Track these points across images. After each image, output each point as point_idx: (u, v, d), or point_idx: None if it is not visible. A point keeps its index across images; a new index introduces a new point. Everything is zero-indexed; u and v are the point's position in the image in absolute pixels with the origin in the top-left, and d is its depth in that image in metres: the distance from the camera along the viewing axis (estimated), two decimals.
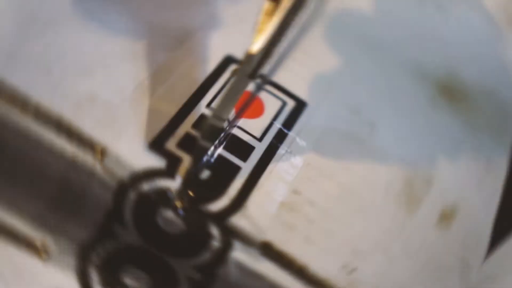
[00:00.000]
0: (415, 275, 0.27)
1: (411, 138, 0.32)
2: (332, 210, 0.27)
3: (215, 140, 0.27)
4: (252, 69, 0.23)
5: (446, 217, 0.29)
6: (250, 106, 0.29)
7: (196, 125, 0.27)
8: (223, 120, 0.26)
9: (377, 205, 0.28)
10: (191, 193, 0.25)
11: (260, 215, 0.25)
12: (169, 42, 0.30)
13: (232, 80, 0.25)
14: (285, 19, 0.23)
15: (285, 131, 0.29)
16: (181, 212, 0.24)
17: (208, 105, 0.28)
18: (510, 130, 0.35)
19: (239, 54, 0.30)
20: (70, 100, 0.25)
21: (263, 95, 0.30)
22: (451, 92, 0.35)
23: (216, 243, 0.24)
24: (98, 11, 0.30)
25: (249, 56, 0.22)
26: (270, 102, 0.30)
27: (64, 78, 0.26)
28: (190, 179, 0.25)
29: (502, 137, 0.34)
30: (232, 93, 0.24)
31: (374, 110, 0.32)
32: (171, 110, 0.27)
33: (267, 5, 0.24)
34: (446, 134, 0.33)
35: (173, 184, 0.25)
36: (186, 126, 0.27)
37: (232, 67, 0.30)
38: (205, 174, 0.26)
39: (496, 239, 0.30)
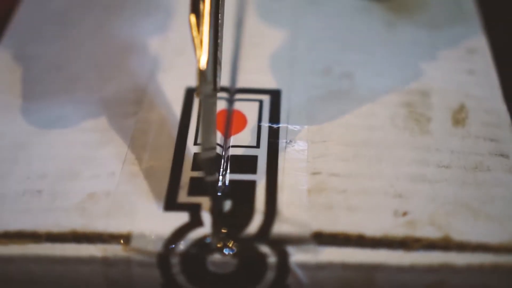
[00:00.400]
0: (461, 183, 0.26)
1: (389, 66, 0.32)
2: (356, 170, 0.27)
3: (219, 169, 0.27)
4: (212, 83, 0.23)
5: (459, 117, 0.29)
6: (233, 122, 0.29)
7: (195, 166, 0.27)
8: (214, 148, 0.26)
9: (392, 142, 0.28)
10: (224, 230, 0.24)
11: (296, 212, 0.25)
12: (129, 108, 0.30)
13: (201, 106, 0.25)
14: (215, 21, 0.23)
15: (275, 125, 0.29)
16: (226, 251, 0.24)
17: (195, 142, 0.28)
18: (471, 14, 0.34)
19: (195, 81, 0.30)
20: (72, 210, 0.25)
21: (238, 106, 0.30)
22: (405, 7, 0.35)
23: (272, 259, 0.24)
24: (52, 108, 0.30)
25: (202, 73, 0.22)
26: (248, 108, 0.29)
27: (56, 194, 0.26)
28: (218, 217, 0.25)
29: (469, 22, 0.34)
30: (207, 118, 0.24)
31: (343, 61, 0.32)
32: (166, 166, 0.27)
33: (192, 19, 0.23)
34: (417, 46, 0.33)
35: (205, 230, 0.25)
36: (187, 173, 0.26)
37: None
38: (227, 204, 0.26)
39: None
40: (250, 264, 0.24)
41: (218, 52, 0.24)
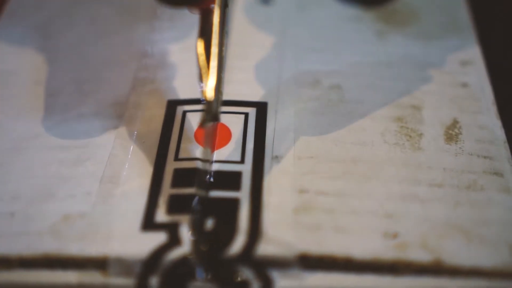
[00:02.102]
0: (454, 204, 0.25)
1: (380, 78, 0.31)
2: (344, 189, 0.26)
3: (206, 186, 0.25)
4: (215, 110, 0.24)
5: (452, 133, 0.28)
6: (217, 136, 0.27)
7: (175, 183, 0.25)
8: (210, 162, 0.26)
9: (382, 159, 0.27)
10: (203, 249, 0.23)
11: (281, 232, 0.24)
12: (108, 123, 0.28)
13: (204, 130, 0.25)
14: (220, 48, 0.24)
15: (260, 140, 0.27)
16: (200, 275, 0.23)
17: (176, 157, 0.27)
18: (465, 25, 0.33)
19: (180, 94, 0.29)
20: (46, 233, 0.24)
21: (223, 119, 0.28)
22: (396, 17, 0.34)
23: (255, 285, 0.23)
24: (29, 126, 0.28)
25: (209, 103, 0.23)
26: (233, 121, 0.28)
27: (29, 216, 0.25)
28: (198, 236, 0.24)
29: (462, 33, 0.33)
30: (208, 139, 0.25)
31: (332, 72, 0.31)
32: (144, 183, 0.26)
33: (199, 48, 0.24)
34: (409, 57, 0.32)
35: (185, 249, 0.23)
36: (166, 190, 0.25)
37: (179, 108, 0.29)
38: (208, 223, 0.24)
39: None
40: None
41: (221, 83, 0.25)
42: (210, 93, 0.23)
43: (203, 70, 0.24)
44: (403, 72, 0.31)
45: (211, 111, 0.24)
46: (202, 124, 0.24)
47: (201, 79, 0.24)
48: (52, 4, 0.35)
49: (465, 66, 0.31)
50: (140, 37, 0.33)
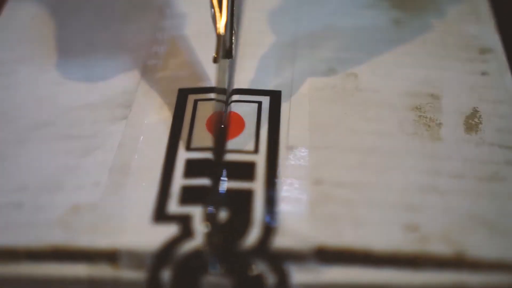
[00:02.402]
0: (476, 195, 0.24)
1: (397, 66, 0.30)
2: (362, 180, 0.25)
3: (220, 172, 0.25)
4: (228, 47, 0.26)
5: (472, 123, 0.27)
6: (229, 126, 0.27)
7: (187, 173, 0.25)
8: (224, 93, 0.27)
9: (401, 149, 0.26)
10: (217, 241, 0.23)
11: (297, 224, 0.23)
12: (117, 112, 0.27)
13: (216, 66, 0.25)
14: None
15: (274, 130, 0.27)
16: (214, 268, 0.22)
17: (188, 147, 0.26)
18: (484, 12, 0.32)
19: (191, 82, 0.28)
20: (55, 225, 0.23)
21: (235, 108, 0.27)
22: (413, 4, 0.33)
23: (271, 279, 0.22)
24: (34, 115, 0.28)
25: (222, 38, 0.24)
26: (246, 110, 0.27)
27: (37, 207, 0.24)
28: (212, 229, 0.23)
29: (482, 20, 0.32)
30: (221, 76, 0.26)
31: (347, 60, 0.30)
32: (155, 173, 0.25)
33: None
34: (427, 45, 0.31)
35: (198, 242, 0.23)
36: (178, 181, 0.24)
37: (191, 97, 0.28)
38: (222, 215, 0.24)
39: None
40: (246, 284, 0.22)
41: (234, 23, 0.26)
42: (221, 29, 0.24)
43: (216, 10, 0.25)
44: (420, 60, 0.30)
45: (224, 46, 0.25)
46: (215, 60, 0.24)
47: (215, 19, 0.25)
48: None
49: (485, 54, 0.30)
50: (151, 24, 0.32)
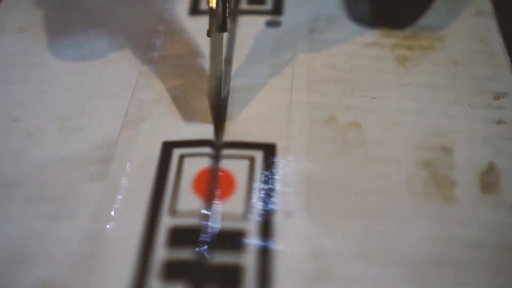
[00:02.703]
0: (494, 269, 0.22)
1: (404, 114, 0.27)
2: (366, 251, 0.22)
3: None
4: (220, 21, 0.25)
5: (489, 181, 0.24)
6: (219, 186, 0.24)
7: (170, 243, 0.22)
8: (220, 76, 0.27)
9: (409, 213, 0.23)
10: None
11: None
12: (94, 168, 0.25)
13: (210, 40, 0.25)
14: None
15: (269, 188, 0.24)
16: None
17: (171, 212, 0.23)
18: (498, 52, 0.30)
19: (171, 136, 0.26)
20: None
21: (225, 165, 0.25)
22: (419, 42, 0.30)
23: None
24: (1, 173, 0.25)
25: (212, 10, 0.24)
26: (237, 167, 0.25)
27: (1, 283, 0.21)
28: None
29: (495, 61, 0.29)
30: (215, 50, 0.25)
31: (349, 107, 0.27)
32: (133, 243, 0.22)
33: None
34: (436, 89, 0.28)
35: None
36: (159, 252, 0.22)
37: (176, 152, 0.25)
38: None
39: None
40: None
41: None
42: (213, 2, 0.24)
43: None
44: (429, 106, 0.27)
45: (217, 19, 0.24)
46: (209, 33, 0.24)
47: None
48: None
49: (499, 98, 0.28)
50: (134, 66, 0.29)
